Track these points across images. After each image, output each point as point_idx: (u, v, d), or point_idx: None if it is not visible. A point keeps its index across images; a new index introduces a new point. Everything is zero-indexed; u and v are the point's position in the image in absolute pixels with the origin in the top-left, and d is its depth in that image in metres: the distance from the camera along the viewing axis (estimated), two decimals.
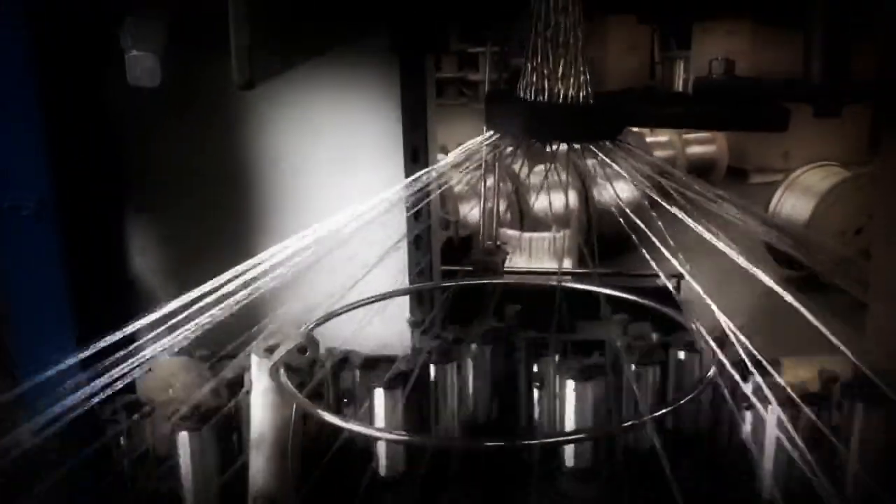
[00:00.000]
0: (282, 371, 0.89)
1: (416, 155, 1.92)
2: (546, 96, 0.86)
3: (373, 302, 1.17)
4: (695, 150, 6.18)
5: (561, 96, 0.86)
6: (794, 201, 4.89)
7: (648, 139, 5.78)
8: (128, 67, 0.84)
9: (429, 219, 1.50)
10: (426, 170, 0.97)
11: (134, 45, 0.83)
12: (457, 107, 7.43)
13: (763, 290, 0.94)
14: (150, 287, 1.79)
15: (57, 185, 1.38)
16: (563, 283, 1.11)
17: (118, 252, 1.75)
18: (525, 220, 4.67)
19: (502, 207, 4.48)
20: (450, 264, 2.24)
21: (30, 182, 1.32)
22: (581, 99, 0.86)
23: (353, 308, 1.16)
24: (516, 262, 4.14)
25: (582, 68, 0.88)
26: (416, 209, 1.05)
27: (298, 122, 1.75)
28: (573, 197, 3.95)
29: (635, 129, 5.79)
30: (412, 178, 0.97)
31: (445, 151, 4.45)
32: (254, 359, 0.90)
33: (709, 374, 0.86)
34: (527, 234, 4.33)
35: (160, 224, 1.77)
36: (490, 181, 3.37)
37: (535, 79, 0.87)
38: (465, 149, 0.97)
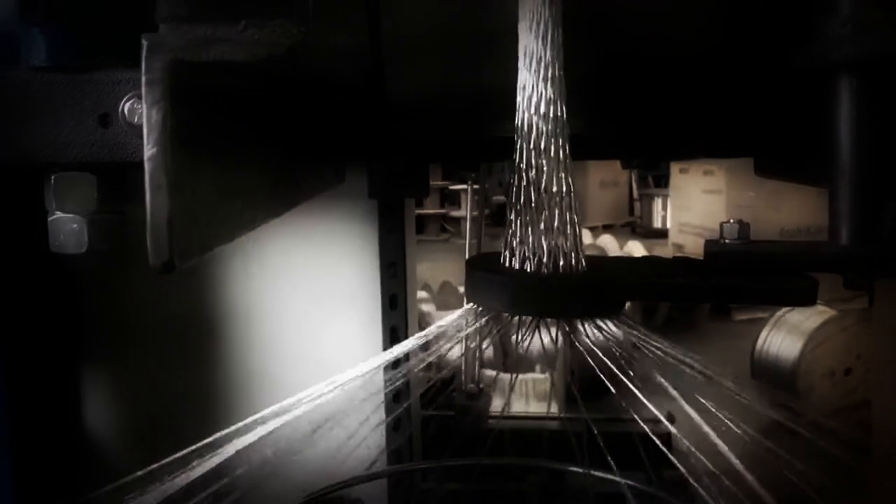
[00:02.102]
0: None
1: (395, 302, 1.88)
2: (535, 264, 0.75)
3: (343, 488, 1.03)
4: None
5: (552, 263, 0.75)
6: (781, 341, 4.81)
7: None
8: (50, 233, 0.73)
9: (409, 400, 1.39)
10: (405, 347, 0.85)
11: (58, 206, 0.72)
12: (438, 243, 7.43)
13: (759, 428, 0.84)
14: (106, 451, 1.67)
15: (3, 338, 1.27)
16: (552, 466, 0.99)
17: (71, 413, 1.63)
18: (508, 360, 4.55)
19: (485, 347, 4.36)
20: (431, 408, 2.18)
21: None
22: (575, 265, 0.75)
23: (322, 493, 1.02)
24: (500, 404, 3.98)
25: (575, 227, 0.78)
26: (394, 389, 0.92)
27: (269, 268, 1.68)
28: (558, 336, 3.85)
29: None
30: (389, 358, 0.84)
31: (427, 289, 4.37)
32: None
33: None
34: (511, 376, 4.19)
35: (121, 380, 1.66)
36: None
37: (520, 242, 0.76)
38: (444, 324, 0.85)
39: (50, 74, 0.72)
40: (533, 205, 0.77)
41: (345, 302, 1.71)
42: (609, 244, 5.86)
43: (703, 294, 0.73)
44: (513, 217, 0.79)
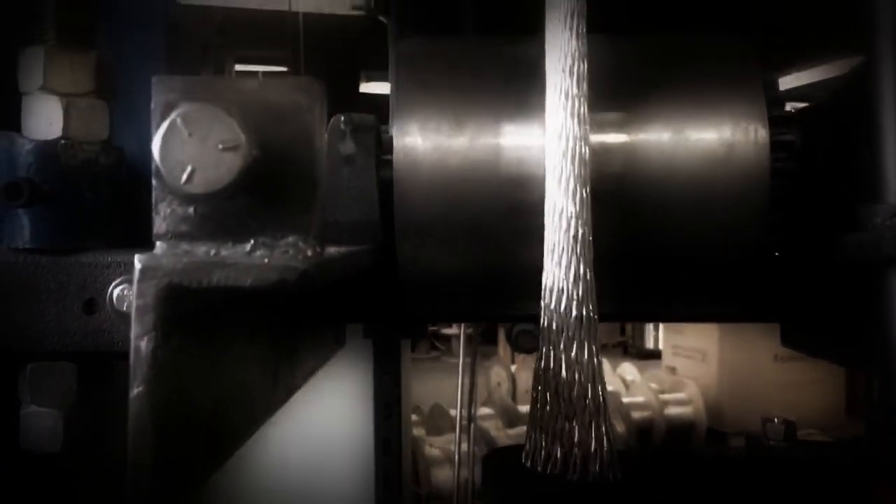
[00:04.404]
0: None
1: (388, 447, 1.82)
2: (559, 465, 0.67)
3: None
4: (673, 411, 6.02)
5: (578, 464, 0.68)
6: None
7: (625, 399, 5.64)
8: (21, 427, 0.65)
9: None
10: None
11: (33, 398, 0.64)
12: (429, 361, 7.31)
13: None
14: None
15: None
16: None
17: None
18: None
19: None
20: None
21: None
22: (605, 466, 0.68)
23: None
24: None
25: (605, 421, 0.70)
26: None
27: None
28: None
29: (610, 389, 5.66)
30: None
31: (418, 412, 4.24)
32: None
33: None
34: None
35: None
36: (465, 445, 3.15)
37: (543, 440, 0.69)
38: None
39: (34, 256, 0.66)
40: (558, 393, 0.70)
41: (336, 443, 1.67)
42: None
43: None
44: (536, 403, 0.72)
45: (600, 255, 0.72)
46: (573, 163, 0.70)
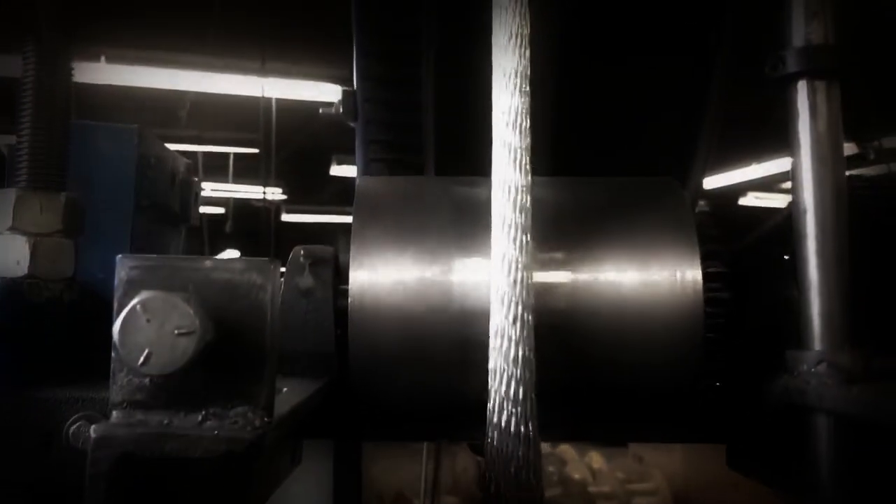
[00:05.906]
0: None
1: None
2: None
3: None
4: (639, 501, 5.97)
5: None
6: None
7: (591, 489, 5.58)
8: None
9: None
10: None
11: None
12: (393, 446, 7.17)
13: None
14: None
15: None
16: None
17: None
18: None
19: None
20: None
21: None
22: None
23: None
24: None
25: None
26: None
27: None
28: None
29: (577, 477, 5.60)
30: None
31: (379, 502, 4.13)
32: None
33: None
34: None
35: None
36: None
37: None
38: None
39: None
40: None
41: None
42: (567, 452, 5.74)
43: None
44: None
45: (548, 385, 0.74)
46: (519, 329, 0.71)
